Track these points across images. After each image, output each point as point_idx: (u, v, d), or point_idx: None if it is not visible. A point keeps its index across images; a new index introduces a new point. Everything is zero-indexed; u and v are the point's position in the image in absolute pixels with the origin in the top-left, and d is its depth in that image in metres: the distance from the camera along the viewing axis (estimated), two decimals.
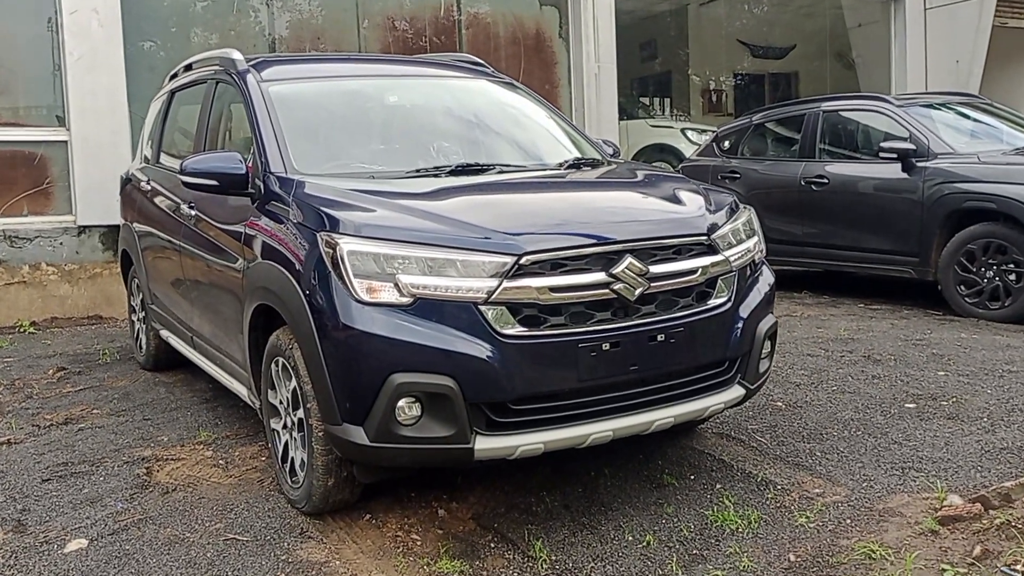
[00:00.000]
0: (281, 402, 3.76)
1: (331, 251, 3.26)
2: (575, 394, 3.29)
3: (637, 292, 3.32)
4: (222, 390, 5.06)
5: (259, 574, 3.21)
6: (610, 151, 4.91)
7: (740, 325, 3.64)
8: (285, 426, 3.75)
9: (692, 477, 3.94)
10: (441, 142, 4.54)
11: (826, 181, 7.86)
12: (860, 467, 3.93)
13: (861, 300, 7.72)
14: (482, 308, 3.15)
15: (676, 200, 3.80)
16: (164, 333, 5.61)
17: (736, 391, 3.70)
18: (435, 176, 4.00)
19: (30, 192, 7.78)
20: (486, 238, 3.24)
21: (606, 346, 3.28)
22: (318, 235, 3.36)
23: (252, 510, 3.72)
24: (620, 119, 11.13)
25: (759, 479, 3.87)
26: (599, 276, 3.28)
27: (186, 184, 4.08)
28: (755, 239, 3.87)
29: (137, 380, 5.85)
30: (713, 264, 3.55)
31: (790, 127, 8.70)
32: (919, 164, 7.18)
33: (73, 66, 7.71)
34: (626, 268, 3.30)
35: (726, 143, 9.19)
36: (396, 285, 3.16)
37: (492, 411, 3.20)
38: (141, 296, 6.01)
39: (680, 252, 3.50)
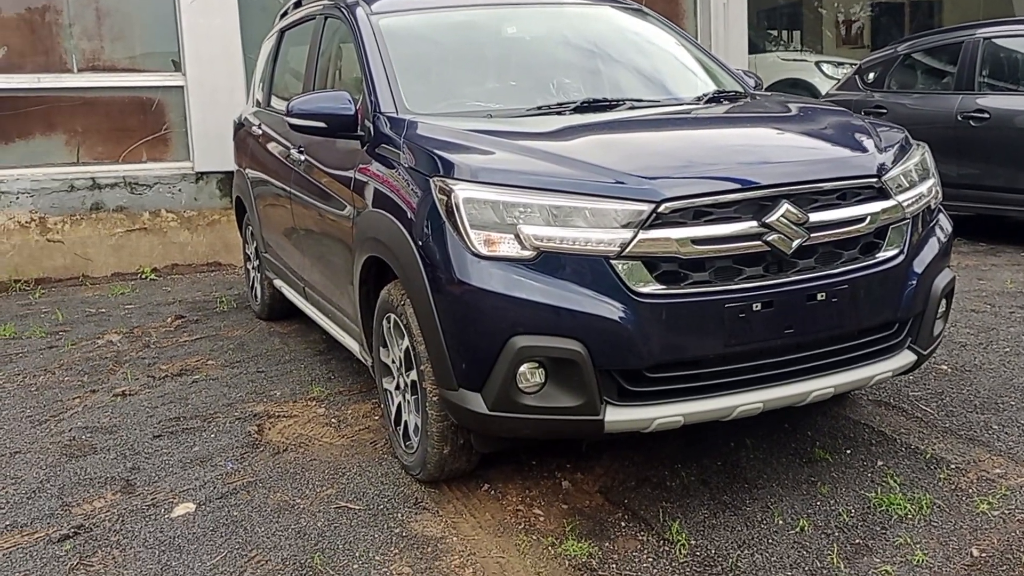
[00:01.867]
0: (393, 361, 3.49)
1: (445, 198, 2.93)
2: (720, 361, 2.89)
3: (795, 244, 2.87)
4: (335, 343, 4.86)
5: (372, 548, 2.97)
6: (752, 83, 4.40)
7: (913, 281, 3.14)
8: (398, 387, 3.49)
9: (848, 452, 3.49)
10: (562, 78, 4.12)
11: (987, 116, 7.05)
12: None
13: (1022, 248, 6.95)
14: (614, 263, 2.77)
15: (838, 137, 3.30)
16: (277, 282, 5.44)
17: (906, 357, 3.22)
18: (558, 114, 3.60)
19: (148, 139, 7.76)
20: (619, 183, 2.84)
21: (757, 306, 2.85)
22: (431, 181, 3.03)
23: (364, 475, 3.49)
24: (748, 53, 10.39)
25: (928, 456, 3.39)
26: (750, 226, 2.85)
27: (292, 126, 3.82)
28: (931, 181, 3.34)
29: (252, 330, 5.73)
30: (884, 211, 3.06)
31: (944, 57, 7.86)
32: None
33: (187, 9, 7.58)
34: (782, 216, 2.85)
35: (871, 75, 8.40)
36: (517, 237, 2.80)
37: (625, 379, 2.84)
38: (255, 244, 5.87)
39: (845, 197, 3.02)
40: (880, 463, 3.38)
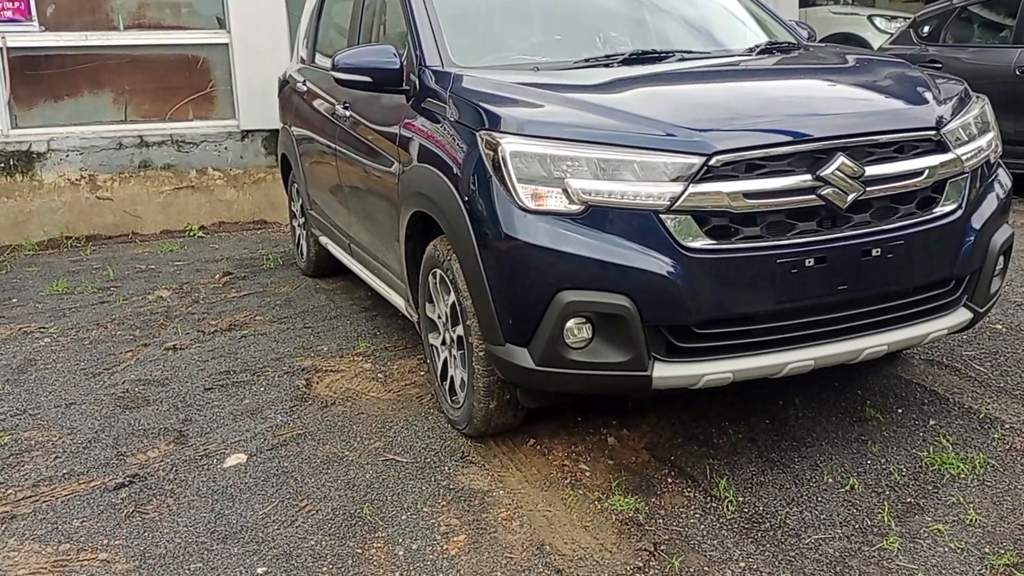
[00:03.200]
0: (439, 317, 3.49)
1: (491, 152, 2.90)
2: (771, 317, 2.84)
3: (850, 198, 2.80)
4: (381, 299, 4.88)
5: (419, 500, 3.00)
6: (805, 34, 4.28)
7: (971, 238, 3.06)
8: (444, 342, 3.50)
9: (900, 411, 3.44)
10: (608, 30, 4.04)
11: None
12: None
13: None
14: (664, 217, 2.73)
15: (896, 88, 3.21)
16: (323, 240, 5.47)
17: (962, 314, 3.15)
18: (606, 66, 3.53)
19: (194, 97, 7.80)
20: (669, 135, 2.79)
21: (810, 262, 2.80)
22: (477, 134, 3.00)
23: (411, 428, 3.51)
24: (800, 7, 10.14)
25: (981, 416, 3.33)
26: (804, 179, 2.78)
27: (338, 81, 3.80)
28: (990, 135, 3.24)
29: (298, 287, 5.77)
30: (942, 164, 2.97)
31: (1002, 9, 7.59)
32: None
33: None
34: (837, 169, 2.78)
35: (925, 29, 8.16)
36: (565, 191, 2.77)
37: (673, 335, 2.81)
38: (300, 201, 5.89)
39: (902, 150, 2.94)
40: (932, 422, 3.33)
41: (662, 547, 2.70)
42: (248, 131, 7.85)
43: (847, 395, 3.58)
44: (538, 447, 3.31)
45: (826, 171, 2.77)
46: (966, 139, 3.08)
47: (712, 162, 2.72)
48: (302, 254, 6.09)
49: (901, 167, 2.91)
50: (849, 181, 2.80)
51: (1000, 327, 4.15)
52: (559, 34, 4.09)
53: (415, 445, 3.37)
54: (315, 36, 5.65)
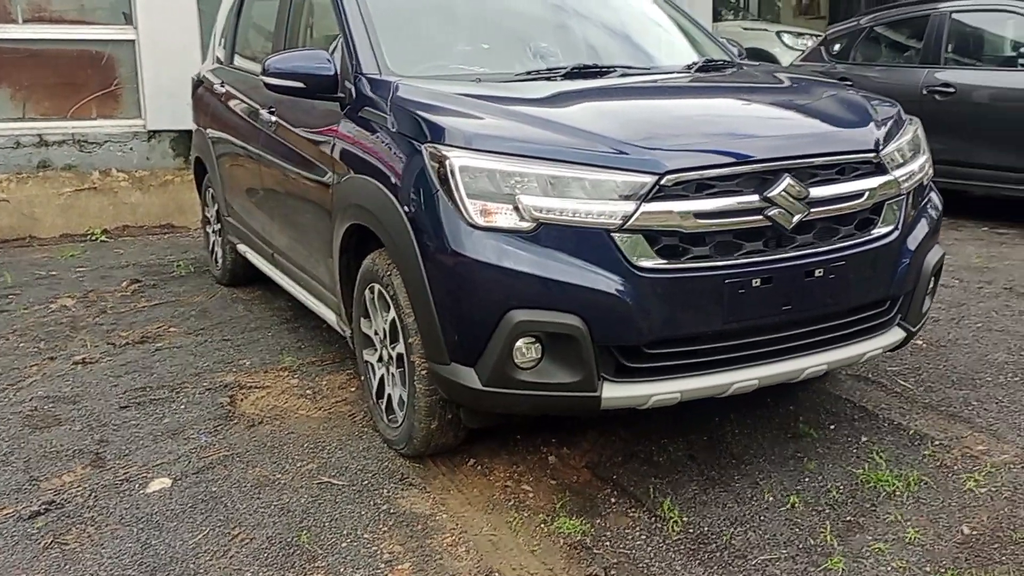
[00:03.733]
0: (376, 333, 3.38)
1: (438, 165, 2.82)
2: (718, 337, 2.84)
3: (795, 219, 2.83)
4: (303, 309, 4.73)
5: (359, 525, 2.89)
6: (736, 51, 4.33)
7: (907, 259, 3.13)
8: (381, 359, 3.39)
9: (832, 427, 3.49)
10: (539, 43, 4.00)
11: (952, 90, 7.11)
12: None
13: (984, 223, 7.05)
14: (615, 236, 2.69)
15: (836, 110, 3.26)
16: (241, 248, 5.27)
17: (896, 334, 3.22)
18: (548, 79, 3.49)
19: (98, 94, 7.44)
20: (620, 153, 2.76)
21: (756, 282, 2.81)
22: (422, 147, 2.92)
23: (345, 449, 3.39)
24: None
25: (911, 432, 3.41)
26: (752, 199, 2.79)
27: (268, 87, 3.65)
28: (923, 157, 3.31)
29: (213, 296, 5.55)
30: (881, 186, 3.03)
31: (910, 30, 7.89)
32: None
33: None
34: (784, 190, 2.80)
35: (836, 47, 8.42)
36: (515, 207, 2.71)
37: (623, 355, 2.78)
38: (216, 207, 5.67)
39: (844, 172, 2.98)
40: (864, 439, 3.39)
41: (612, 572, 2.66)
42: (155, 131, 7.55)
43: (780, 411, 3.62)
44: (479, 467, 3.23)
45: (773, 192, 2.79)
46: (902, 161, 3.15)
47: (664, 181, 2.70)
48: (217, 262, 5.86)
49: (843, 189, 2.95)
50: (795, 202, 2.82)
51: (921, 343, 4.27)
52: (495, 44, 4.03)
53: (351, 466, 3.26)
54: (234, 36, 5.44)
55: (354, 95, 3.49)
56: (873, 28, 8.19)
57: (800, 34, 11.67)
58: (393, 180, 3.04)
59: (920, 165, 3.25)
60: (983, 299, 4.90)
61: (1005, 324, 4.48)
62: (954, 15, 7.37)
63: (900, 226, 3.10)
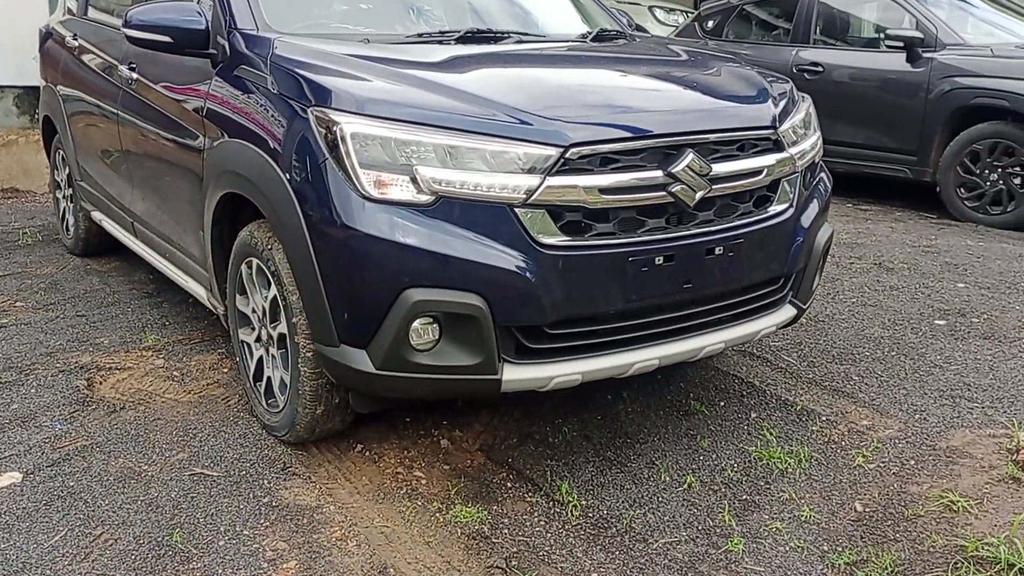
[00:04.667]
0: (254, 311, 3.14)
1: (326, 131, 2.61)
2: (620, 316, 2.75)
3: (698, 196, 2.76)
4: (166, 283, 4.41)
5: (238, 521, 2.67)
6: (626, 22, 4.25)
7: (800, 237, 3.12)
8: (259, 339, 3.15)
9: (722, 404, 3.49)
10: (422, 4, 3.80)
11: (820, 70, 7.31)
12: (905, 395, 3.53)
13: (848, 200, 7.30)
14: (519, 211, 2.55)
15: (736, 86, 3.21)
16: (96, 215, 4.85)
17: (788, 311, 3.22)
18: (440, 43, 3.30)
19: None
20: (524, 123, 2.62)
21: (659, 260, 2.73)
22: (309, 111, 2.69)
23: (219, 436, 3.14)
24: None
25: (798, 408, 3.44)
26: (656, 175, 2.71)
27: (131, 40, 3.31)
28: (815, 136, 3.32)
29: (65, 267, 5.11)
30: (778, 163, 3.00)
31: (781, 10, 8.06)
32: (925, 55, 6.66)
33: None
34: (688, 166, 2.72)
35: (709, 23, 8.52)
36: (413, 179, 2.53)
37: (525, 336, 2.65)
38: (68, 171, 5.20)
39: (743, 148, 2.93)
40: (754, 415, 3.40)
41: (513, 562, 2.55)
42: None
43: (671, 388, 3.59)
44: (367, 453, 3.06)
45: (677, 168, 2.71)
46: (796, 139, 3.13)
47: (569, 154, 2.58)
48: (68, 230, 5.40)
49: (743, 165, 2.91)
50: (697, 178, 2.75)
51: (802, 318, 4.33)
52: (368, 4, 3.81)
53: (226, 455, 3.02)
54: None
55: (228, 52, 3.21)
56: (745, 6, 8.33)
57: (672, 10, 11.79)
58: (274, 146, 2.81)
59: (812, 143, 3.25)
60: (855, 274, 5.04)
61: (878, 299, 4.62)
62: None
63: (795, 204, 3.09)
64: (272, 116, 2.86)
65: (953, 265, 5.23)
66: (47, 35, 5.40)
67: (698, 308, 2.90)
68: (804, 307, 3.28)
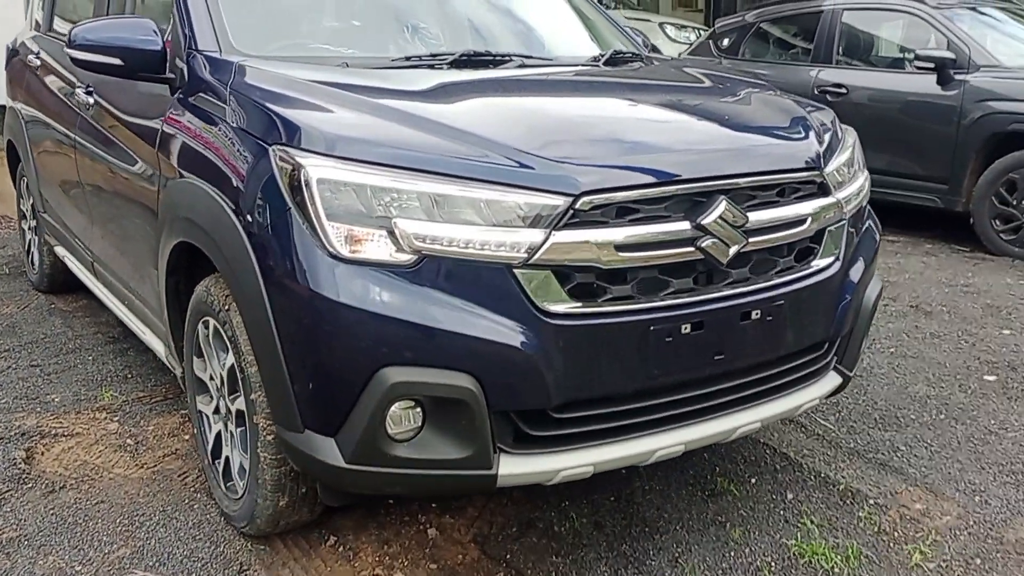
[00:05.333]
0: (212, 378, 2.71)
1: (291, 175, 2.18)
2: (639, 395, 2.31)
3: (732, 251, 2.32)
4: None
5: None
6: (641, 42, 3.83)
7: (848, 294, 2.68)
8: (218, 411, 2.71)
9: (754, 481, 3.04)
10: (419, 22, 3.38)
11: (844, 91, 6.87)
12: (960, 470, 3.09)
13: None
14: (519, 273, 2.12)
15: (771, 117, 2.78)
16: (60, 250, 4.43)
17: (832, 380, 2.77)
18: (431, 67, 2.87)
19: None
20: (526, 166, 2.18)
21: (686, 328, 2.29)
22: (270, 150, 2.26)
23: (171, 525, 2.70)
24: None
25: (841, 488, 2.99)
26: (683, 227, 2.27)
27: (76, 61, 2.90)
28: (864, 176, 2.88)
29: (27, 306, 4.69)
30: (824, 210, 2.57)
31: (800, 27, 7.64)
32: (958, 77, 6.22)
33: None
34: (720, 217, 2.29)
35: (725, 41, 8.09)
36: (392, 234, 2.09)
37: (525, 422, 2.21)
38: (31, 200, 4.79)
39: (783, 194, 2.50)
40: (791, 496, 2.95)
41: None
42: None
43: (694, 460, 3.14)
44: (341, 549, 2.61)
45: (707, 218, 2.27)
46: (842, 181, 2.70)
47: (579, 204, 2.15)
48: (33, 264, 4.98)
49: (783, 213, 2.47)
50: (732, 230, 2.31)
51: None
52: (364, 22, 3.39)
53: (175, 552, 2.57)
54: None
55: (187, 77, 2.79)
56: (762, 24, 7.91)
57: (683, 26, 11.40)
58: (231, 190, 2.38)
59: (860, 186, 2.81)
60: (891, 318, 4.59)
61: (919, 349, 4.17)
62: (847, 12, 7.14)
63: (841, 257, 2.65)
64: (230, 154, 2.44)
65: (995, 308, 4.78)
66: (14, 51, 5.01)
67: (731, 382, 2.46)
68: (851, 374, 2.83)
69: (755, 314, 2.41)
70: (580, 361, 2.18)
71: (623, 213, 2.21)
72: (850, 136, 2.91)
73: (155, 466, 3.03)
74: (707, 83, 3.13)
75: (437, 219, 2.10)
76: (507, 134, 2.28)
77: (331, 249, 2.10)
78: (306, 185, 2.13)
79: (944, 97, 6.27)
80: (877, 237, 2.93)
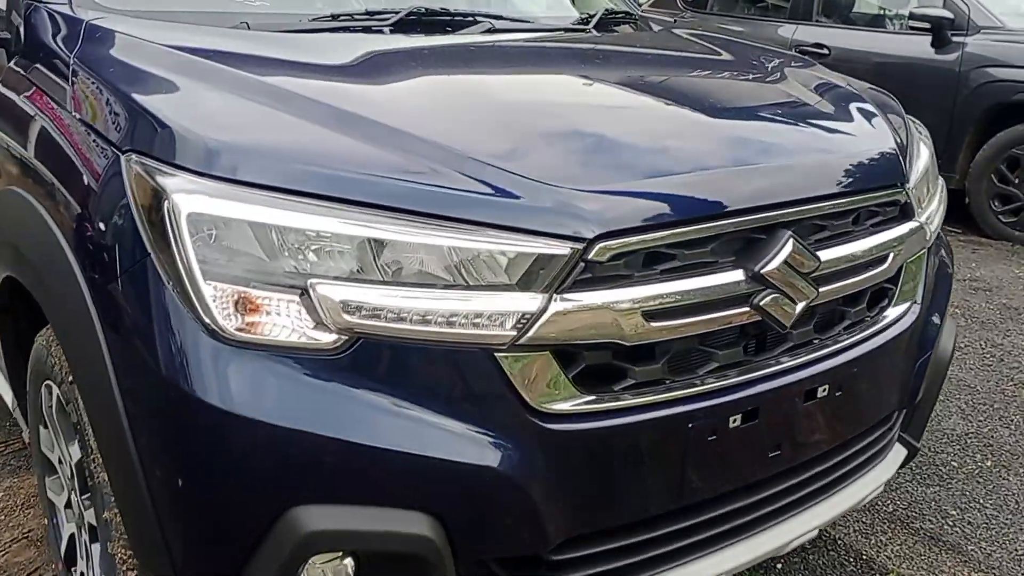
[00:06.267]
0: (61, 462, 1.94)
1: (151, 204, 1.41)
2: (668, 518, 1.62)
3: (799, 308, 1.63)
4: None
5: None
6: None
7: (928, 349, 2.02)
8: (70, 506, 1.96)
9: (780, 567, 2.39)
10: None
11: (826, 52, 6.19)
12: None
13: None
14: (504, 359, 1.39)
15: (835, 111, 2.05)
16: None
17: (897, 454, 2.12)
18: (365, 31, 2.09)
19: None
20: (510, 195, 1.44)
21: (735, 420, 1.61)
22: (123, 160, 1.48)
23: None
24: None
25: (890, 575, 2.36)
26: (735, 278, 1.56)
27: None
28: (941, 185, 2.20)
29: None
30: (908, 238, 1.89)
31: None
32: (956, 39, 5.60)
33: None
34: (786, 261, 1.59)
35: None
36: (306, 302, 1.35)
37: (511, 570, 1.50)
38: None
39: (858, 220, 1.81)
40: None
41: None
42: None
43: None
44: None
45: (770, 263, 1.57)
46: (923, 196, 2.02)
47: (594, 252, 1.42)
48: None
49: (860, 248, 1.78)
50: (799, 279, 1.62)
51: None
52: None
53: None
54: None
55: (23, 36, 1.98)
56: None
57: None
58: (70, 215, 1.60)
59: (939, 201, 2.13)
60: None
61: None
62: None
63: (921, 300, 1.98)
64: (69, 157, 1.65)
65: (1012, 309, 4.22)
66: None
67: (786, 483, 1.78)
68: (918, 445, 2.18)
69: (822, 390, 1.73)
70: (591, 482, 1.48)
71: (654, 261, 1.50)
72: (921, 131, 2.23)
73: None
74: (736, 60, 2.37)
75: (376, 279, 1.36)
76: (481, 142, 1.53)
77: (210, 324, 1.35)
78: (172, 221, 1.36)
79: (939, 62, 5.66)
80: (951, 267, 2.25)
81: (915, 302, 1.97)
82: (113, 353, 1.45)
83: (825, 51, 6.21)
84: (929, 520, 2.61)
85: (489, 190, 1.43)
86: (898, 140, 1.95)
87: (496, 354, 1.39)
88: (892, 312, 1.91)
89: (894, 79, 5.86)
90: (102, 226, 1.49)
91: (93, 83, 1.66)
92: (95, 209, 1.53)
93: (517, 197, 1.43)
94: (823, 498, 1.89)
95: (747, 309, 1.58)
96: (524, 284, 1.39)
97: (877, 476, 2.03)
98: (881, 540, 2.52)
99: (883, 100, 2.17)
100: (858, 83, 2.29)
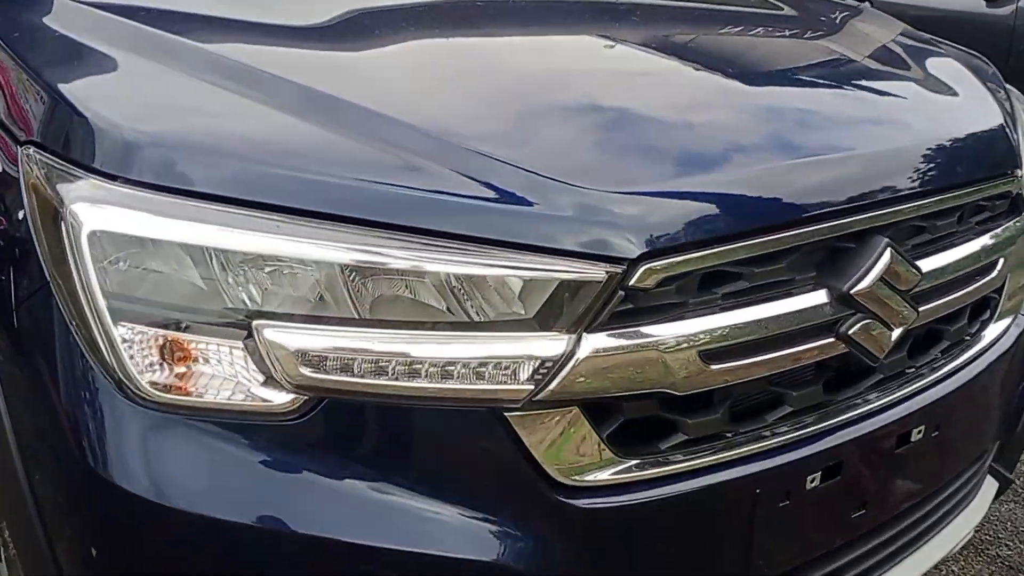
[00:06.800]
0: None
1: (51, 217, 1.06)
2: None
3: (894, 336, 1.27)
4: None
5: None
6: None
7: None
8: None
9: None
10: None
11: (868, 1, 5.76)
12: None
13: None
14: (518, 420, 1.04)
15: (927, 81, 1.66)
16: None
17: (989, 488, 1.77)
18: None
19: None
20: (523, 201, 1.08)
21: (813, 480, 1.26)
22: (20, 154, 1.14)
23: None
24: None
25: None
26: (819, 299, 1.21)
27: None
28: None
29: None
30: (1020, 235, 1.53)
31: None
32: None
33: None
34: (881, 275, 1.23)
35: None
36: (252, 349, 1.00)
37: None
38: None
39: (962, 219, 1.44)
40: None
41: None
42: None
43: None
44: None
45: (863, 280, 1.21)
46: None
47: (636, 276, 1.06)
48: None
49: (966, 253, 1.42)
50: (898, 297, 1.26)
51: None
52: None
53: None
54: None
55: None
56: None
57: None
58: None
59: None
60: None
61: None
62: None
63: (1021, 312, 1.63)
64: None
65: None
66: None
67: (868, 544, 1.44)
68: (1011, 477, 1.83)
69: (917, 432, 1.38)
70: (635, 570, 1.14)
71: (713, 283, 1.14)
72: (1020, 102, 1.84)
73: None
74: (804, 17, 1.95)
75: (349, 316, 1.01)
76: (486, 130, 1.17)
77: (121, 379, 1.00)
78: (71, 241, 1.02)
79: (993, 17, 5.24)
80: None
81: (1020, 314, 1.61)
82: (13, 414, 1.11)
83: (866, 2, 5.77)
84: (1006, 545, 2.27)
85: (496, 195, 1.07)
86: (1006, 116, 1.58)
87: (508, 414, 1.04)
88: (994, 328, 1.55)
89: (942, 34, 5.45)
90: None
91: None
92: None
93: (534, 203, 1.07)
94: (907, 554, 1.55)
95: (831, 340, 1.22)
96: (544, 320, 1.04)
97: (968, 519, 1.69)
98: (952, 570, 2.18)
99: (980, 67, 1.78)
100: (948, 45, 1.90)
